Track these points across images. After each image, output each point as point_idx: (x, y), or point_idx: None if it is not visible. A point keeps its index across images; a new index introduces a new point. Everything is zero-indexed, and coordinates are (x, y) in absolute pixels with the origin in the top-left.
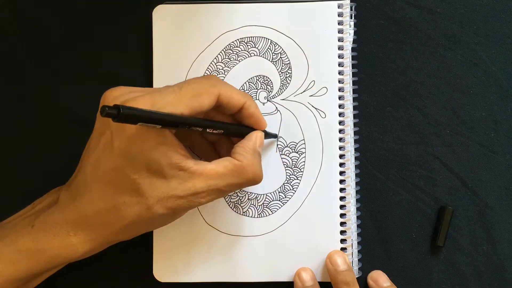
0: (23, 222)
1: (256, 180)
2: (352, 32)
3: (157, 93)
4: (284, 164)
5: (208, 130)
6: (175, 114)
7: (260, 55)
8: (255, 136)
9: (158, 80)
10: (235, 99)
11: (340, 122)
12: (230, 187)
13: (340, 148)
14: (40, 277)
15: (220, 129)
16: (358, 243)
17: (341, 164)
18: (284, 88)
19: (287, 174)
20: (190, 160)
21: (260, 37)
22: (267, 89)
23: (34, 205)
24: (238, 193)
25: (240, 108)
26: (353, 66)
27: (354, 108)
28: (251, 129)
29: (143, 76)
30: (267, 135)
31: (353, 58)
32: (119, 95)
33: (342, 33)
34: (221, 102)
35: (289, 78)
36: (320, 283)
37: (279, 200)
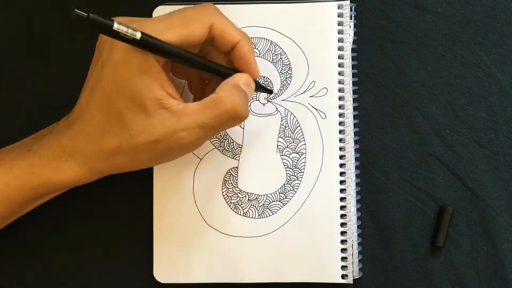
0: (20, 148)
1: (236, 111)
2: (352, 32)
3: (147, 20)
4: (284, 165)
5: (193, 63)
6: (157, 38)
7: (260, 56)
8: (239, 76)
9: None
10: (229, 34)
11: (340, 123)
12: (210, 121)
13: (340, 148)
14: (34, 202)
15: (207, 67)
16: (358, 243)
17: (341, 165)
18: (284, 89)
19: (288, 174)
20: (173, 99)
21: (260, 37)
22: None
23: (35, 136)
24: (238, 194)
25: (233, 46)
26: (353, 66)
27: (354, 108)
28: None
29: None
30: (261, 87)
31: (353, 58)
32: (131, 22)
33: (342, 33)
34: (214, 35)
35: (289, 79)
36: (320, 284)
37: (279, 201)
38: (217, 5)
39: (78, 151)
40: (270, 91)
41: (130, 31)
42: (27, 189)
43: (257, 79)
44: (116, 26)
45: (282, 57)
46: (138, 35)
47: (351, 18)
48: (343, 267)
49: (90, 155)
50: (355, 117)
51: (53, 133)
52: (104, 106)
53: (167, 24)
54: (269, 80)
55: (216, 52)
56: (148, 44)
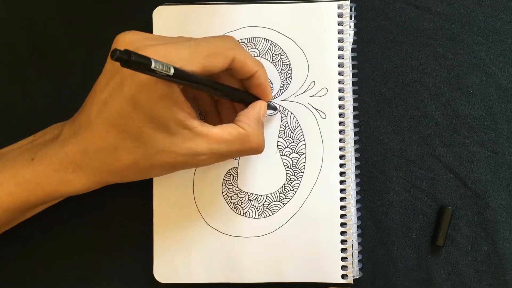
0: (23, 155)
1: (259, 149)
2: (352, 32)
3: (172, 45)
4: (284, 165)
5: (214, 91)
6: (185, 70)
7: (260, 55)
8: (259, 106)
9: None
10: (249, 66)
11: (340, 123)
12: (232, 154)
13: (340, 148)
14: (37, 208)
15: (226, 93)
16: (358, 243)
17: (341, 165)
18: (284, 89)
19: (288, 174)
20: (195, 120)
21: (260, 37)
22: None
23: (35, 138)
24: (238, 194)
25: (250, 76)
26: (353, 66)
27: (354, 108)
28: (256, 98)
29: None
30: (268, 106)
31: (353, 58)
32: (132, 40)
33: (342, 33)
34: (234, 67)
35: (289, 79)
36: (320, 284)
37: (279, 201)
38: (219, 6)
39: (88, 164)
40: (275, 108)
41: (165, 68)
42: (31, 198)
43: None
44: (153, 65)
45: (282, 57)
46: (172, 71)
47: (351, 18)
48: (343, 267)
49: (102, 169)
50: (355, 117)
51: (57, 141)
52: (121, 123)
53: (193, 56)
54: (269, 80)
55: (228, 76)
56: (178, 77)
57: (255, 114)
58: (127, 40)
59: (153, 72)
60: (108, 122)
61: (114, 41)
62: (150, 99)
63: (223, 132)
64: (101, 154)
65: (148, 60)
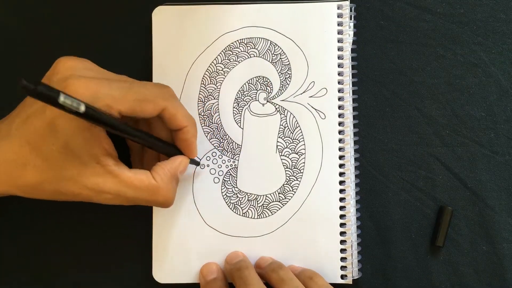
0: None
1: (165, 204)
2: (351, 33)
3: (105, 82)
4: (284, 165)
5: (132, 138)
6: (101, 111)
7: (260, 56)
8: (180, 161)
9: (158, 81)
10: (178, 120)
11: (340, 123)
12: (138, 201)
13: (340, 149)
14: None
15: (146, 142)
16: (358, 244)
17: (340, 165)
18: (284, 89)
19: (287, 175)
20: (110, 159)
21: (259, 38)
22: (267, 90)
23: None
24: (238, 194)
25: (179, 129)
26: (353, 66)
27: (354, 109)
28: (179, 152)
29: (142, 77)
30: (192, 161)
31: (353, 58)
32: (72, 67)
33: (342, 34)
34: (164, 117)
35: (289, 79)
36: None
37: (279, 201)
38: (219, 6)
39: None
40: (197, 163)
41: (75, 104)
42: None
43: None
44: (62, 100)
45: (281, 57)
46: (82, 109)
47: (351, 18)
48: (343, 267)
49: (7, 181)
50: (354, 117)
51: None
52: (36, 142)
53: (124, 96)
54: (268, 81)
55: (160, 125)
56: (90, 117)
57: (171, 168)
58: (67, 66)
59: (61, 107)
60: (24, 138)
61: (55, 63)
62: (68, 127)
63: (135, 177)
64: (10, 167)
65: (56, 93)
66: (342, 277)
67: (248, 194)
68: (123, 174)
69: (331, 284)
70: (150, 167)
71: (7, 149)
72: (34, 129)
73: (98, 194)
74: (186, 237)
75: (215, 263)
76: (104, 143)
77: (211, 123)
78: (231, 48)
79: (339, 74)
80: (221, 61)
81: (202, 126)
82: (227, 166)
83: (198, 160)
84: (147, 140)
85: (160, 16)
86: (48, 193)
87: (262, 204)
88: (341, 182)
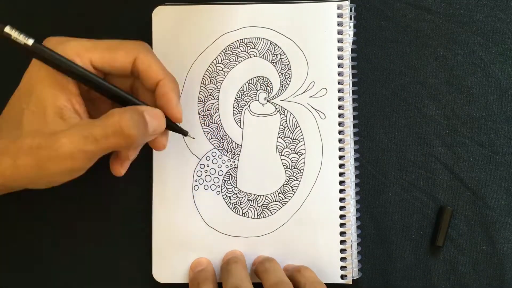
0: None
1: (122, 127)
2: (351, 33)
3: (85, 40)
4: (283, 165)
5: (86, 82)
6: (52, 51)
7: (260, 56)
8: (149, 108)
9: None
10: (153, 71)
11: (340, 123)
12: (93, 132)
13: (340, 149)
14: None
15: (107, 91)
16: (358, 244)
17: (340, 165)
18: (284, 89)
19: (287, 175)
20: (74, 114)
21: (259, 38)
22: (267, 90)
23: None
24: (237, 194)
25: (156, 85)
26: (353, 66)
27: (354, 109)
28: (143, 103)
29: None
30: (174, 129)
31: (353, 58)
32: (60, 41)
33: (342, 34)
34: (138, 69)
35: (289, 79)
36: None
37: (278, 201)
38: (219, 6)
39: None
40: (184, 133)
41: (22, 36)
42: None
43: (179, 123)
44: (7, 29)
45: (281, 57)
46: (30, 42)
47: (351, 19)
48: (343, 268)
49: None
50: (354, 117)
51: None
52: (11, 106)
53: (93, 45)
54: (268, 81)
55: (144, 90)
56: (42, 56)
57: (134, 106)
58: (56, 40)
59: (10, 40)
60: (7, 106)
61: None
62: (38, 83)
63: (91, 119)
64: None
65: (2, 25)
66: (342, 277)
67: (248, 194)
68: (82, 121)
69: (331, 284)
70: None
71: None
72: (15, 95)
73: (56, 142)
74: (186, 237)
75: (205, 258)
76: (73, 100)
77: (211, 123)
78: (231, 48)
79: (339, 74)
80: (221, 61)
81: (202, 126)
82: (227, 166)
83: (184, 130)
84: (109, 89)
85: (160, 16)
86: (12, 161)
87: (262, 204)
88: (341, 182)
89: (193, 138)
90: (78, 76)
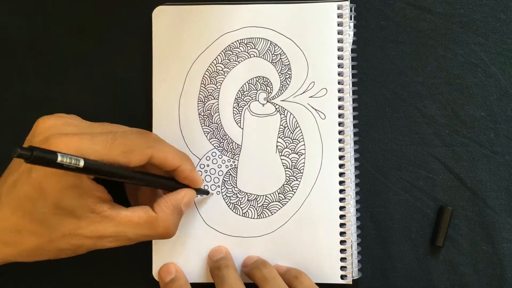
0: None
1: (166, 235)
2: (351, 33)
3: (87, 137)
4: (283, 165)
5: (132, 181)
6: (99, 161)
7: (260, 56)
8: (183, 194)
9: (158, 81)
10: (169, 162)
11: (340, 123)
12: (140, 237)
13: (340, 149)
14: None
15: (147, 183)
16: (358, 244)
17: (340, 165)
18: (284, 89)
19: (287, 175)
20: (105, 204)
21: (259, 38)
22: (267, 90)
23: None
24: (237, 194)
25: (174, 170)
26: (353, 66)
27: (354, 109)
28: (182, 185)
29: (142, 77)
30: (200, 191)
31: (353, 58)
32: (51, 126)
33: (342, 34)
34: (153, 163)
35: (289, 79)
36: (319, 284)
37: (278, 201)
38: (219, 6)
39: None
40: (207, 193)
41: (74, 161)
42: None
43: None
44: (60, 159)
45: (281, 57)
46: (81, 164)
47: (351, 19)
48: (342, 268)
49: (2, 247)
50: (354, 117)
51: None
52: (27, 207)
53: (108, 151)
54: (268, 81)
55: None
56: (89, 170)
57: (174, 200)
58: (47, 125)
59: (61, 166)
60: (14, 204)
61: (34, 125)
62: (57, 188)
63: (133, 215)
64: (4, 235)
65: (54, 155)
66: (342, 277)
67: (248, 194)
68: (120, 214)
69: (331, 284)
70: (146, 202)
71: (0, 216)
72: (23, 194)
73: (100, 240)
74: (186, 237)
75: (172, 263)
76: (95, 191)
77: (211, 123)
78: (231, 48)
79: (339, 74)
80: (221, 61)
81: (202, 126)
82: (227, 166)
83: (207, 190)
84: (146, 180)
85: (160, 16)
86: (50, 253)
87: (262, 204)
88: (341, 182)
89: (213, 193)
90: (121, 179)
